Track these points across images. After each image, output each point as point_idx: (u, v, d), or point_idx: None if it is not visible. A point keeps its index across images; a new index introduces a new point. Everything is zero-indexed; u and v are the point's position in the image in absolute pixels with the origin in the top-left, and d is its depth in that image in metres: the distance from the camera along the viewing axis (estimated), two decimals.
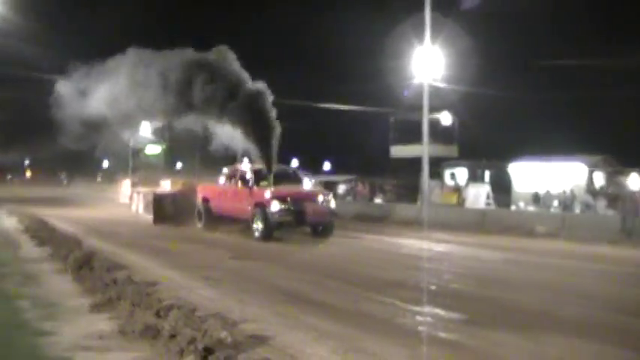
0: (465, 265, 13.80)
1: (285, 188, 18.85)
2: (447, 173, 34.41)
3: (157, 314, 7.76)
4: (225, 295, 9.69)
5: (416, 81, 26.55)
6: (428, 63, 25.38)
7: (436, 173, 32.45)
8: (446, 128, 38.74)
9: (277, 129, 19.67)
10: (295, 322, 7.97)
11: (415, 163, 28.31)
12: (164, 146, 36.18)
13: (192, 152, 35.62)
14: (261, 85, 20.17)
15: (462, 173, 34.49)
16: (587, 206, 26.22)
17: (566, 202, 27.01)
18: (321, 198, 18.77)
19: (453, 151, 39.44)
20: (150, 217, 24.14)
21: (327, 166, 52.35)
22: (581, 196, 27.10)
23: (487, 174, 34.02)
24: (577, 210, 25.96)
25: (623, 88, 40.91)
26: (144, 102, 21.15)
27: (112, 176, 42.09)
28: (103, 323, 7.80)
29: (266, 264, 13.47)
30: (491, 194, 28.83)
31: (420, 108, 25.95)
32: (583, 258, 15.10)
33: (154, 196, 24.58)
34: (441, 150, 36.36)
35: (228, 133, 21.02)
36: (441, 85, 27.56)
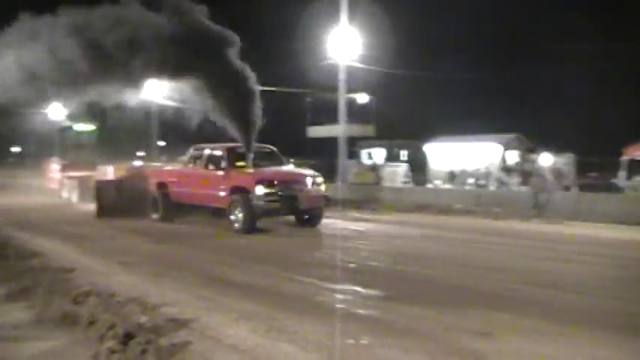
0: (382, 242, 13.81)
1: (270, 170, 16.41)
2: (364, 153, 34.58)
3: (75, 301, 7.50)
4: (144, 280, 9.37)
5: (332, 61, 26.39)
6: (344, 43, 25.25)
7: (354, 153, 32.52)
8: (362, 108, 38.90)
9: (257, 97, 16.57)
10: (216, 305, 7.79)
11: (332, 143, 28.26)
12: (98, 123, 32.22)
13: (144, 132, 33.11)
14: (228, 33, 16.72)
15: (379, 153, 34.72)
16: (501, 183, 26.79)
17: (481, 180, 27.51)
18: (310, 180, 15.95)
19: (369, 130, 39.70)
20: (86, 206, 20.97)
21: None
22: (495, 174, 27.64)
23: (404, 153, 34.38)
24: (492, 187, 26.45)
25: (538, 70, 41.98)
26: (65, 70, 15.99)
27: (34, 160, 38.61)
28: (18, 313, 7.46)
29: (187, 248, 13.08)
30: (408, 173, 29.09)
31: (336, 88, 25.85)
32: (497, 233, 15.32)
33: (97, 184, 20.55)
34: (357, 130, 36.51)
35: (195, 106, 17.84)
36: (358, 65, 27.48)
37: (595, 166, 31.50)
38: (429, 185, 29.25)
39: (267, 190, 14.95)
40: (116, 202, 19.26)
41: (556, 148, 26.35)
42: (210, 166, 16.75)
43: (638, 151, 26.35)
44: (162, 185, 18.32)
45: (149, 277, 9.64)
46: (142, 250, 12.68)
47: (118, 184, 20.35)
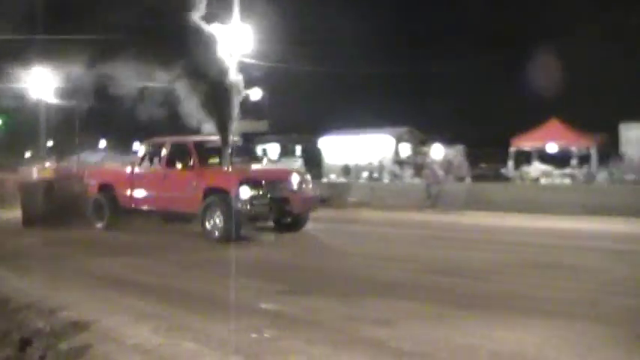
0: (280, 237, 13.66)
1: (254, 168, 14.57)
2: (258, 149, 34.36)
3: None
4: (40, 285, 8.92)
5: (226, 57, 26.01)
6: (236, 39, 24.95)
7: None
8: (255, 104, 38.66)
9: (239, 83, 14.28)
10: (116, 306, 7.51)
11: None
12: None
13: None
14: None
15: (273, 148, 34.62)
16: (394, 176, 27.20)
17: (375, 173, 27.86)
18: (297, 179, 13.74)
19: (263, 126, 39.51)
20: None
21: (137, 146, 50.55)
22: (388, 167, 28.06)
23: (298, 148, 34.42)
24: (386, 180, 26.83)
25: (429, 64, 42.95)
26: None
27: None
28: None
29: (84, 249, 12.54)
30: (303, 168, 29.11)
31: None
32: (393, 224, 15.60)
33: (20, 187, 18.24)
34: (251, 125, 36.27)
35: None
36: (251, 60, 27.24)
37: (485, 157, 32.54)
38: (324, 179, 29.38)
39: (253, 192, 12.71)
40: (46, 209, 16.43)
41: (447, 140, 27.01)
42: (173, 164, 14.21)
43: (525, 142, 27.44)
44: (106, 187, 15.82)
45: (46, 281, 9.20)
46: (38, 254, 11.87)
47: (47, 186, 17.58)
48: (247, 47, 26.07)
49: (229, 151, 13.78)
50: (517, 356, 5.38)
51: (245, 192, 12.58)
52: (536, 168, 26.80)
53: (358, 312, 7.00)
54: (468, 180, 24.27)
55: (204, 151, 14.22)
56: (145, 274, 9.67)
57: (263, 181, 13.01)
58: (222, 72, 14.07)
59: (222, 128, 13.75)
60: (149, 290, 8.46)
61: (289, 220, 14.00)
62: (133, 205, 15.01)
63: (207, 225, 12.91)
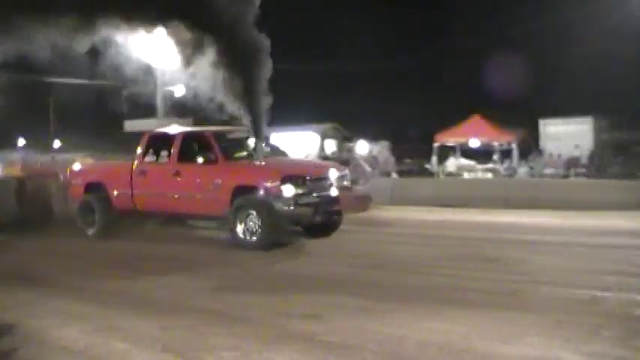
0: (207, 233, 13.45)
1: (293, 162, 13.08)
2: None
3: None
4: None
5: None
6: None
7: None
8: (179, 101, 38.16)
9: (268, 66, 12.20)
10: (42, 308, 7.31)
11: None
12: None
13: None
14: None
15: None
16: None
17: None
18: (336, 174, 11.87)
19: (187, 124, 39.00)
20: None
21: (57, 143, 49.11)
22: None
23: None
24: None
25: (352, 62, 43.26)
26: None
27: None
28: None
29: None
30: None
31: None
32: None
33: None
34: (175, 123, 35.73)
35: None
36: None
37: (411, 153, 33.05)
38: None
39: (298, 191, 10.94)
40: (19, 212, 14.59)
41: (371, 136, 27.28)
42: (188, 159, 12.15)
43: (448, 137, 27.98)
44: (96, 187, 13.51)
45: None
46: None
47: (18, 186, 15.21)
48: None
49: (263, 143, 12.13)
50: (444, 346, 5.47)
51: (289, 190, 10.79)
52: (452, 163, 27.43)
53: (287, 307, 7.00)
54: (394, 175, 24.58)
55: (228, 144, 12.25)
56: (70, 274, 9.37)
57: (307, 177, 11.26)
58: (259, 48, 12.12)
59: (256, 116, 12.07)
60: (74, 291, 8.24)
61: (320, 221, 11.68)
62: (134, 208, 12.81)
63: (239, 230, 11.03)
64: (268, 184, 10.96)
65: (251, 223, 10.88)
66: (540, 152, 27.24)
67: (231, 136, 12.68)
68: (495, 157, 27.61)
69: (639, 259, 9.60)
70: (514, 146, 26.88)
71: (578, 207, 15.97)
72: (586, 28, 30.09)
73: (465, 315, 6.41)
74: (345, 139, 30.85)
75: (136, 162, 12.94)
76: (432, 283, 8.11)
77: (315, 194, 11.15)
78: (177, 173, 12.08)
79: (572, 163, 25.81)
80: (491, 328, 5.97)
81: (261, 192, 11.01)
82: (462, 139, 27.89)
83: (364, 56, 44.28)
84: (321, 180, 11.45)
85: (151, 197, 12.53)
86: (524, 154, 26.98)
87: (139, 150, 13.01)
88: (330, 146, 31.18)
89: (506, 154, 27.65)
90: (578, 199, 16.70)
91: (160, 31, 12.29)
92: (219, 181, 11.45)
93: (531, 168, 25.41)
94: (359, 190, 12.79)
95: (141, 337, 6.01)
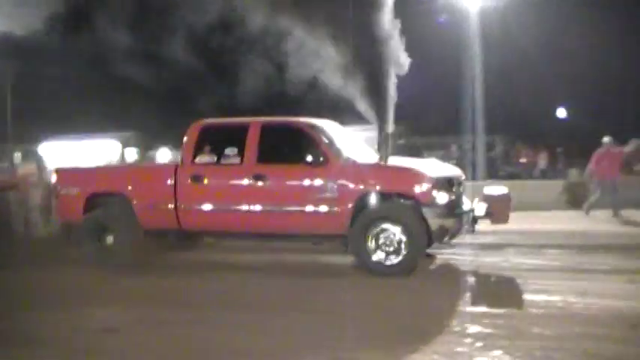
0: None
1: (433, 163, 10.51)
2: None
3: None
4: None
5: None
6: None
7: None
8: None
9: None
10: None
11: None
12: None
13: None
14: None
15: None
16: None
17: None
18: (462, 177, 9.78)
19: None
20: None
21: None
22: None
23: (17, 155, 32.61)
24: None
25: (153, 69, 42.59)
26: None
27: None
28: None
29: None
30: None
31: None
32: None
33: None
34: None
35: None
36: None
37: None
38: None
39: (451, 198, 8.85)
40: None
41: (173, 144, 27.26)
42: (273, 158, 9.40)
43: None
44: (110, 198, 10.15)
45: None
46: None
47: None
48: None
49: (389, 140, 9.63)
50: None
51: (442, 198, 8.67)
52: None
53: (83, 322, 6.91)
54: None
55: (333, 138, 9.51)
56: None
57: (455, 181, 9.21)
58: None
59: (381, 109, 9.88)
60: None
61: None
62: (176, 227, 9.76)
63: (370, 250, 8.72)
64: (417, 191, 8.70)
65: (387, 241, 8.69)
66: None
67: (332, 130, 9.85)
68: None
69: None
70: None
71: None
72: None
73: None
74: (147, 147, 30.66)
75: (182, 163, 9.87)
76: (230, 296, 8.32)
77: (461, 204, 9.30)
78: (259, 178, 9.36)
79: None
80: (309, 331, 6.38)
81: (407, 200, 8.83)
82: None
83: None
84: (460, 184, 9.51)
85: (211, 212, 9.55)
86: None
87: (188, 147, 9.84)
88: (132, 154, 30.86)
89: None
90: None
91: None
92: (333, 187, 8.88)
93: None
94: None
95: None
